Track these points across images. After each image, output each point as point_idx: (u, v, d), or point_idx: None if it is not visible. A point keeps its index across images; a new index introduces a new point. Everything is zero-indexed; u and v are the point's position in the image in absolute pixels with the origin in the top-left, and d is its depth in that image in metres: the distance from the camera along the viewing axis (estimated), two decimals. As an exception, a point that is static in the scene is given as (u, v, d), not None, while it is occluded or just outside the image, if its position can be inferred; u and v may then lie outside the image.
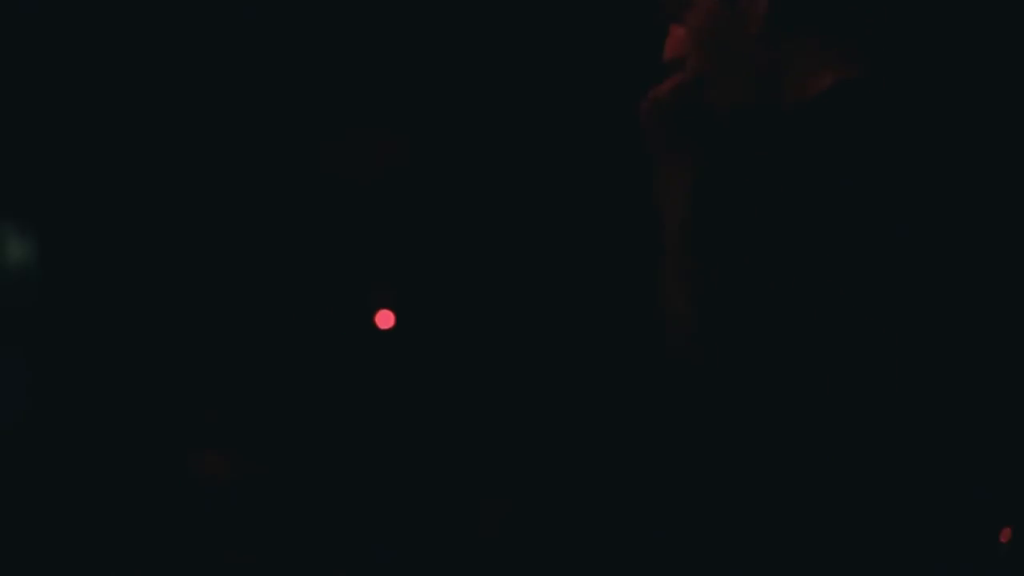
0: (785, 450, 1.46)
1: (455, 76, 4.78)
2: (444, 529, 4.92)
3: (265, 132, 5.23)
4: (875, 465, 1.42)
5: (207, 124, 5.21)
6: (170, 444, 5.26)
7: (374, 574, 4.93)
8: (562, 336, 4.72)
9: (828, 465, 1.44)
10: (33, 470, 5.18)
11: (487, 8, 4.42)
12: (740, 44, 1.61)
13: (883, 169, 1.44)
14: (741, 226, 1.50)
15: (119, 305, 5.42)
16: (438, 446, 5.06)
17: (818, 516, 1.45)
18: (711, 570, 1.55)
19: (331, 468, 5.24)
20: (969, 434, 1.45)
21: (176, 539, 4.99)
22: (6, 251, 5.48)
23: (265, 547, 4.98)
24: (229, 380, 5.39)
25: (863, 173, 1.43)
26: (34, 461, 5.22)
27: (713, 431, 1.51)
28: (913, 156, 1.46)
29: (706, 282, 1.50)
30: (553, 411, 4.77)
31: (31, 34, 4.85)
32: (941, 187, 1.47)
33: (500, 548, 4.82)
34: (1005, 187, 1.53)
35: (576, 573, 4.56)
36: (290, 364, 5.41)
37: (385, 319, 5.55)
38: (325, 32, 4.83)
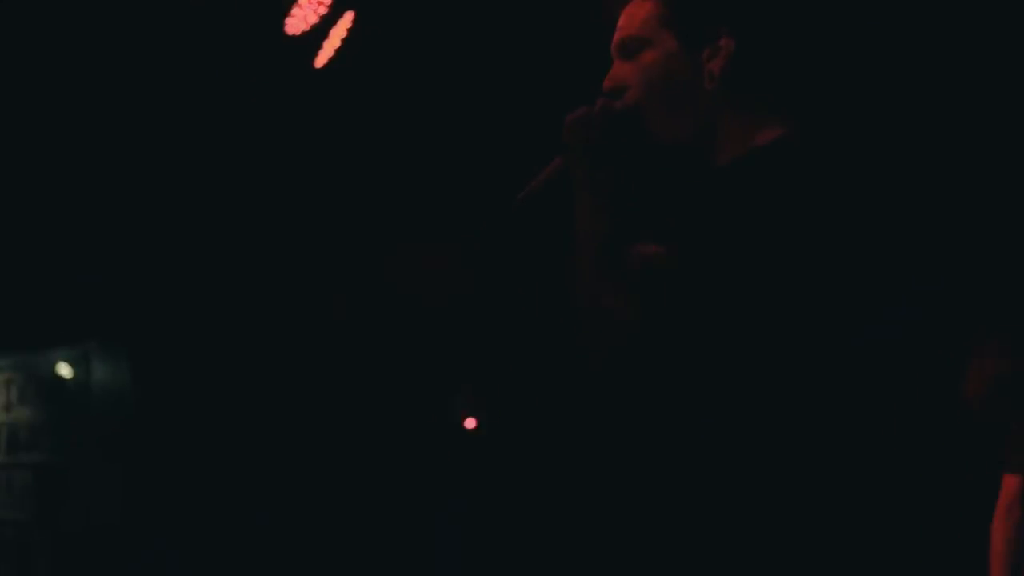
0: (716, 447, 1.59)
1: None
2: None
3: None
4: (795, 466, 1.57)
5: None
6: None
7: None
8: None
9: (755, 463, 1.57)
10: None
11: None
12: (690, 92, 1.77)
13: (807, 219, 1.59)
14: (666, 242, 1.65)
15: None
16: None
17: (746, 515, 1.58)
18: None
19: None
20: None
21: None
22: (97, 375, 5.57)
23: None
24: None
25: (787, 223, 1.58)
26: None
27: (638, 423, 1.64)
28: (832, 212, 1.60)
29: (634, 279, 1.62)
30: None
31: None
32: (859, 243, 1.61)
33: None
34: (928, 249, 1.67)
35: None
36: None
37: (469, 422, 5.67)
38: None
